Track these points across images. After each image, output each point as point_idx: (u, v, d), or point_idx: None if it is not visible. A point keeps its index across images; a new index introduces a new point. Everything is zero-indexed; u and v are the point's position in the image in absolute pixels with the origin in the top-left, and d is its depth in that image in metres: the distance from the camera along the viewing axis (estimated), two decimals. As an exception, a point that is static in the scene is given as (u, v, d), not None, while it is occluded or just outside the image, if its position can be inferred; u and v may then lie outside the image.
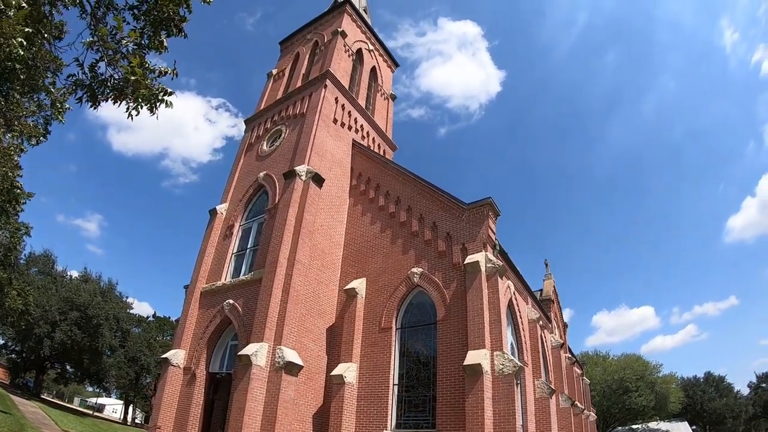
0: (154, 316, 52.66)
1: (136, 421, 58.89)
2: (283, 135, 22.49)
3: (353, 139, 23.00)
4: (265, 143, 23.22)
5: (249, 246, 20.36)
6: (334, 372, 16.34)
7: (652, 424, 54.68)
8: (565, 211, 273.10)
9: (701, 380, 70.76)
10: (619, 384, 47.71)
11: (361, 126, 24.48)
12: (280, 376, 15.21)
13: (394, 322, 16.77)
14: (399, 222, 18.54)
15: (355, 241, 19.74)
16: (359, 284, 17.99)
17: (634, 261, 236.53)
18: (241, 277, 19.00)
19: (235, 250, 20.81)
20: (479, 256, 15.31)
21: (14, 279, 24.17)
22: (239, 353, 15.60)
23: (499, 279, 15.10)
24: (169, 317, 52.88)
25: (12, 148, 11.54)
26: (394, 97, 29.39)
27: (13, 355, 45.08)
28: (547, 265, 36.00)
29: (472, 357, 13.38)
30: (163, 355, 19.42)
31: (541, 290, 33.51)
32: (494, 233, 16.32)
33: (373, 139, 25.23)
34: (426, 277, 16.58)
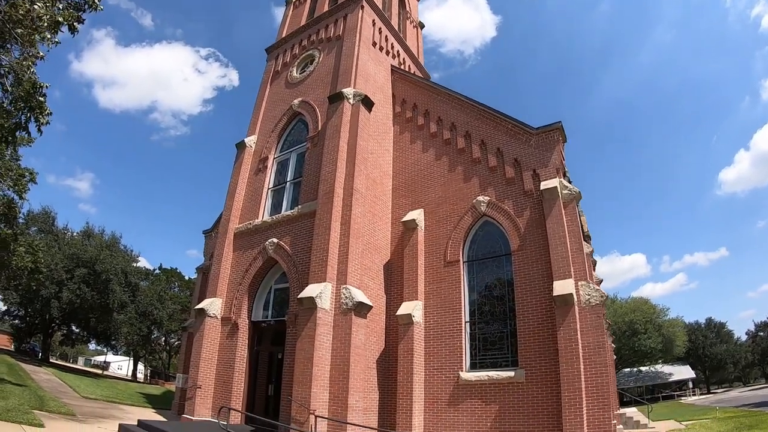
0: (160, 268, 49.56)
1: (139, 376, 56.29)
2: (316, 60, 19.31)
3: (391, 65, 19.82)
4: (294, 70, 19.96)
5: (289, 179, 17.40)
6: (400, 311, 13.94)
7: (657, 367, 54.40)
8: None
9: (703, 326, 70.77)
10: (629, 326, 46.59)
11: (398, 52, 21.28)
12: (350, 318, 12.61)
13: (461, 255, 14.53)
14: (456, 149, 16.01)
15: (405, 171, 17.00)
16: (418, 215, 15.36)
17: (627, 209, 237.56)
18: (285, 212, 16.12)
19: (271, 185, 17.86)
20: (555, 182, 13.18)
21: (20, 235, 20.64)
22: (300, 296, 12.92)
23: (576, 206, 13.11)
24: (176, 269, 50.13)
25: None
26: (422, 26, 26.05)
27: (16, 321, 41.93)
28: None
29: (562, 287, 11.65)
30: (198, 305, 16.60)
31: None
32: (564, 159, 14.20)
33: (409, 66, 22.05)
34: (494, 206, 14.35)
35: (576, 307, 11.52)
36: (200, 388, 15.16)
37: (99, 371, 50.75)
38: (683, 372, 55.23)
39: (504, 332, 13.32)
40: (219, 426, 11.51)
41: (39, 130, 9.32)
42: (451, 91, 16.97)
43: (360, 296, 12.90)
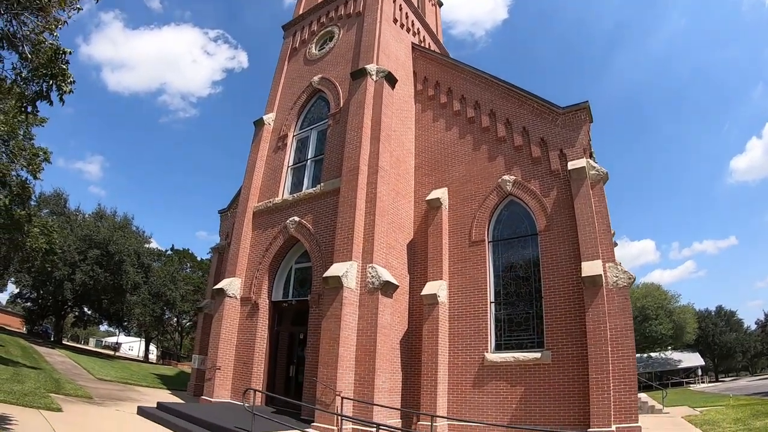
0: (172, 249, 49.26)
1: (151, 357, 56.44)
2: (336, 36, 18.74)
3: (412, 42, 19.23)
4: (313, 47, 19.41)
5: (309, 156, 16.98)
6: (425, 291, 13.59)
7: (667, 353, 54.03)
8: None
9: (713, 313, 69.99)
10: (640, 311, 46.04)
11: (418, 29, 20.64)
12: (376, 298, 12.26)
13: (486, 235, 14.17)
14: (481, 127, 15.54)
15: (428, 149, 16.55)
16: (442, 194, 14.93)
17: (638, 195, 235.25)
18: (307, 190, 15.73)
19: (290, 163, 17.43)
20: (583, 162, 12.81)
21: (34, 216, 20.26)
22: (324, 275, 12.57)
23: (603, 187, 12.77)
24: (188, 249, 49.87)
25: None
26: (440, 3, 25.34)
27: (28, 304, 41.90)
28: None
29: (590, 267, 11.36)
30: (217, 285, 16.29)
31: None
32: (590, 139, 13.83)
33: (429, 44, 21.41)
34: (520, 185, 14.00)
35: (604, 288, 11.21)
36: (219, 369, 14.93)
37: (111, 352, 50.94)
38: (692, 359, 54.82)
39: (529, 313, 13.06)
40: (244, 408, 11.21)
41: (61, 99, 8.81)
42: (476, 69, 16.46)
43: (386, 275, 12.54)
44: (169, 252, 47.34)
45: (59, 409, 10.67)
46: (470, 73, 16.50)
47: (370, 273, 12.48)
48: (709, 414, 18.47)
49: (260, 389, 14.35)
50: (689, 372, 57.61)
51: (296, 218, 15.23)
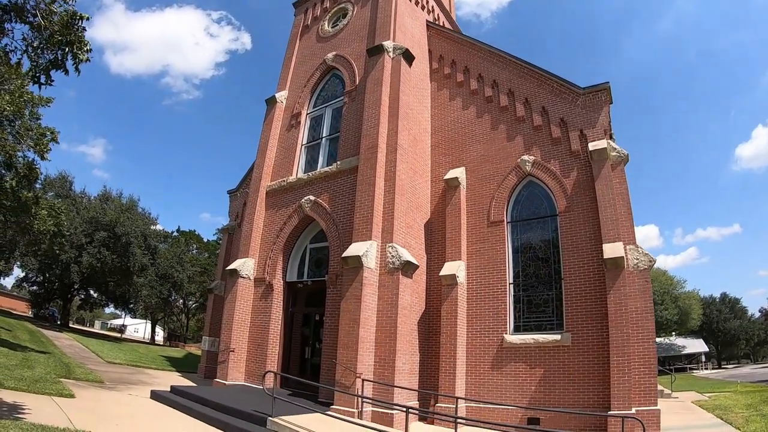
0: (178, 230, 48.72)
1: (157, 339, 56.33)
2: (350, 13, 18.17)
3: (426, 20, 18.69)
4: (326, 23, 18.86)
5: (324, 135, 16.57)
6: (444, 271, 13.27)
7: (671, 339, 53.84)
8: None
9: (717, 300, 69.74)
10: (646, 297, 45.61)
11: (432, 7, 20.08)
12: (396, 278, 11.95)
13: (505, 215, 13.88)
14: (499, 107, 15.13)
15: (445, 128, 16.13)
16: (460, 174, 14.55)
17: (641, 180, 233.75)
18: (322, 169, 15.36)
19: (304, 141, 17.03)
20: (604, 143, 12.54)
21: (41, 198, 19.78)
22: (344, 255, 12.26)
23: (624, 168, 12.57)
24: (194, 231, 49.53)
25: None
26: (454, -18, 24.70)
27: (34, 287, 41.70)
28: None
29: (612, 249, 11.19)
30: (230, 266, 16.00)
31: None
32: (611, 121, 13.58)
33: (443, 23, 20.83)
34: (540, 166, 13.70)
35: (625, 271, 11.09)
36: (233, 351, 14.70)
37: (118, 335, 50.98)
38: (696, 345, 54.77)
39: (549, 295, 12.86)
40: (263, 391, 10.99)
41: (77, 68, 8.32)
42: (493, 48, 15.97)
43: (407, 255, 12.22)
44: (176, 233, 46.97)
45: (71, 395, 10.44)
46: (487, 52, 16.02)
47: (391, 253, 12.16)
48: (718, 399, 18.35)
49: (276, 371, 14.16)
50: (692, 358, 57.63)
51: (311, 197, 14.87)
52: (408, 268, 12.19)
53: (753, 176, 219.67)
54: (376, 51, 15.03)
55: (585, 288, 11.87)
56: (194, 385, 14.90)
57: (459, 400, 11.87)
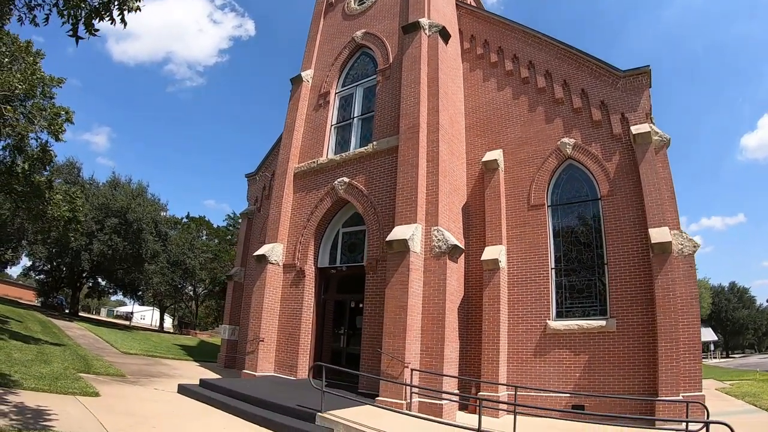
0: (188, 216, 47.67)
1: (166, 326, 55.84)
2: (377, -11, 17.30)
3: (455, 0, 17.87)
4: (352, 1, 17.98)
5: (356, 114, 15.83)
6: (486, 256, 12.70)
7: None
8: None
9: (726, 289, 69.17)
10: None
11: (460, -15, 19.18)
12: (443, 263, 11.34)
13: (545, 199, 13.41)
14: (536, 88, 14.51)
15: (479, 109, 15.44)
16: (498, 156, 13.94)
17: None
18: (357, 149, 14.61)
19: (334, 122, 16.32)
20: (647, 127, 12.13)
21: (53, 182, 18.77)
22: (388, 239, 11.61)
23: (666, 153, 12.26)
24: (204, 216, 48.76)
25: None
26: (477, -41, 23.70)
27: (41, 276, 40.99)
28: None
29: (659, 234, 10.94)
30: (258, 252, 15.33)
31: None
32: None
33: (470, 1, 20.02)
34: (581, 149, 13.20)
35: (672, 255, 10.85)
36: (263, 341, 14.11)
37: (126, 322, 50.46)
38: (705, 334, 54.28)
39: (591, 280, 12.47)
40: (298, 383, 10.42)
41: (123, 20, 7.25)
42: (528, 28, 15.30)
43: (453, 239, 11.57)
44: (185, 220, 46.21)
45: (96, 393, 9.78)
46: (521, 32, 15.34)
47: (436, 236, 11.53)
48: (741, 387, 18.15)
49: (306, 362, 13.73)
50: (702, 346, 57.20)
51: (345, 179, 14.19)
52: (455, 252, 11.59)
53: (758, 166, 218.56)
54: (412, 28, 14.26)
55: (629, 273, 11.58)
56: (219, 376, 14.27)
57: (501, 386, 11.53)
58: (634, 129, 12.15)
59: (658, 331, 10.34)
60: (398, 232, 11.48)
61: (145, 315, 68.41)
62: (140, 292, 43.65)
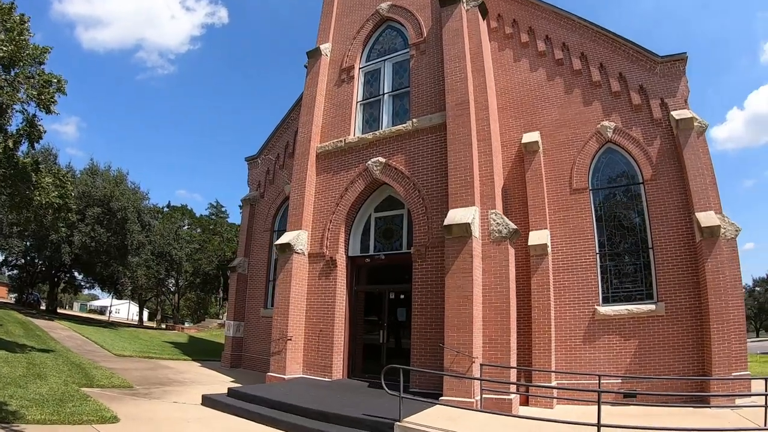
0: (168, 206, 45.46)
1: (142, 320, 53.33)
2: (400, -38, 15.98)
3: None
4: (374, -30, 16.61)
5: (385, 91, 14.59)
6: (533, 241, 11.96)
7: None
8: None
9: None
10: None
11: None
12: (505, 248, 10.47)
13: (588, 182, 12.84)
14: (572, 70, 13.78)
15: (511, 90, 14.49)
16: (537, 137, 13.17)
17: None
18: (393, 127, 13.41)
19: (360, 98, 15.05)
20: (689, 113, 11.95)
21: (41, 164, 16.42)
22: (446, 223, 10.57)
23: (705, 138, 12.16)
24: (186, 205, 46.45)
25: None
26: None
27: (15, 271, 38.08)
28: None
29: (706, 218, 10.83)
30: (281, 240, 13.99)
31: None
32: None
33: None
34: (622, 132, 12.78)
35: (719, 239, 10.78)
36: (291, 339, 12.89)
37: (104, 318, 47.84)
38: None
39: (637, 264, 12.09)
40: (329, 385, 9.50)
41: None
42: (558, 8, 14.47)
43: (512, 223, 10.66)
44: (166, 209, 43.75)
45: (115, 418, 8.09)
46: (552, 13, 14.48)
47: (495, 220, 10.59)
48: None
49: (340, 362, 12.81)
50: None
51: (381, 159, 13.02)
52: (515, 237, 10.70)
53: (727, 158, 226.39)
54: (450, 0, 13.15)
55: (675, 257, 11.41)
56: (239, 384, 12.42)
57: (553, 374, 11.09)
58: (676, 114, 11.83)
59: (710, 313, 10.24)
60: (457, 216, 10.44)
61: (120, 309, 65.27)
62: (119, 286, 41.19)
